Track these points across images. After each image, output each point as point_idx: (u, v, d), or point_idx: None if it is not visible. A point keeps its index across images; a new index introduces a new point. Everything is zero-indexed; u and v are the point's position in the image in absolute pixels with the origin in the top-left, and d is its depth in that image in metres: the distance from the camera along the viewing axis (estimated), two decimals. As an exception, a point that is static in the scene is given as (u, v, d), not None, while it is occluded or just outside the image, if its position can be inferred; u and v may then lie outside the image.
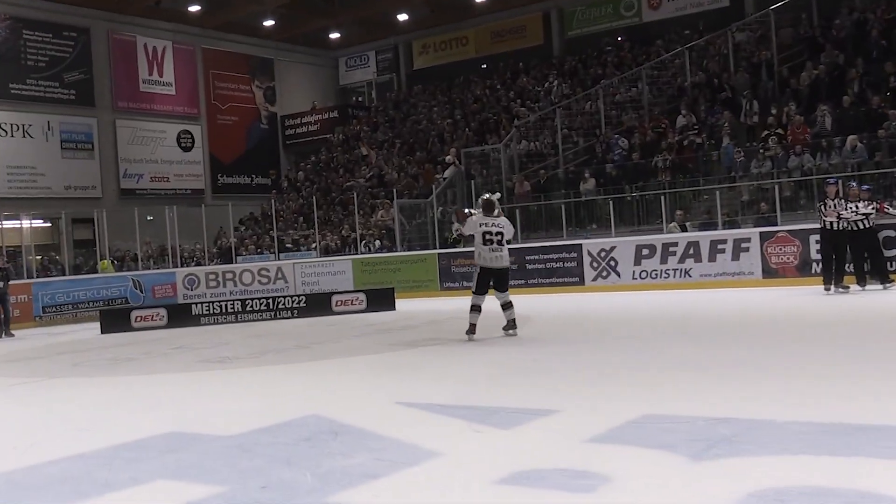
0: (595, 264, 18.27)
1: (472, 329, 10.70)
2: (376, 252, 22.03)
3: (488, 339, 11.33)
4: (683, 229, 18.06)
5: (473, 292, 10.79)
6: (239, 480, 4.88)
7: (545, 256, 19.06)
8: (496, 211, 10.97)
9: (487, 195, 11.20)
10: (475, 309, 10.73)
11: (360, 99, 35.78)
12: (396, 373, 8.85)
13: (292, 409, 6.96)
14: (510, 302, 10.87)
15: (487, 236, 10.70)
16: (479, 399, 6.90)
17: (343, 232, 23.62)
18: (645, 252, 17.74)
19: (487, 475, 4.67)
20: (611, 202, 19.38)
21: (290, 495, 4.56)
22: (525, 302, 16.48)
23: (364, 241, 22.41)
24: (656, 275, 17.58)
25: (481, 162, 23.68)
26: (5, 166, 26.15)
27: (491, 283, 10.78)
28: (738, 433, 5.17)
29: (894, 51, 19.72)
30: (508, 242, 11.00)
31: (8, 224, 22.37)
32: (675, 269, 17.42)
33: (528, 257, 19.17)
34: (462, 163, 23.55)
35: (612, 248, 18.13)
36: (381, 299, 17.15)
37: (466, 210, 11.76)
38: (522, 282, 18.96)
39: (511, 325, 10.79)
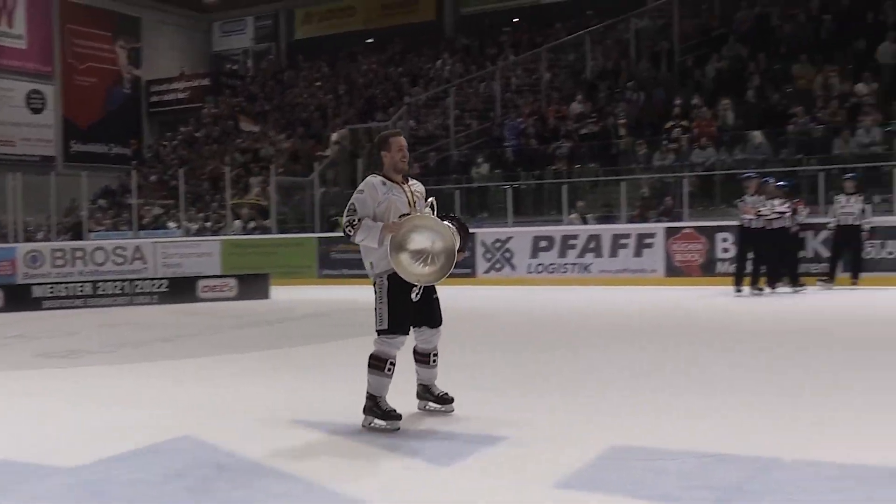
0: (488, 255, 17.10)
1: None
2: (248, 233, 20.25)
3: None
4: (584, 221, 17.10)
5: None
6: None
7: (435, 245, 17.70)
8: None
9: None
10: None
11: (234, 67, 33.57)
12: (287, 377, 7.29)
13: (158, 428, 5.36)
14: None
15: None
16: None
17: (212, 211, 21.71)
18: (542, 244, 16.69)
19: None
20: (507, 189, 18.24)
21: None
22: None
23: (235, 221, 20.58)
24: (554, 269, 16.55)
25: (368, 141, 22.18)
26: None
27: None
28: (745, 478, 3.99)
29: (797, 47, 19.31)
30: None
31: None
32: (573, 264, 16.43)
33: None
34: (347, 141, 22.01)
35: (508, 239, 17.00)
36: (253, 286, 15.63)
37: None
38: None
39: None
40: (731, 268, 14.14)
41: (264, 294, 15.38)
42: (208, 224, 21.36)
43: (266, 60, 32.10)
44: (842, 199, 13.82)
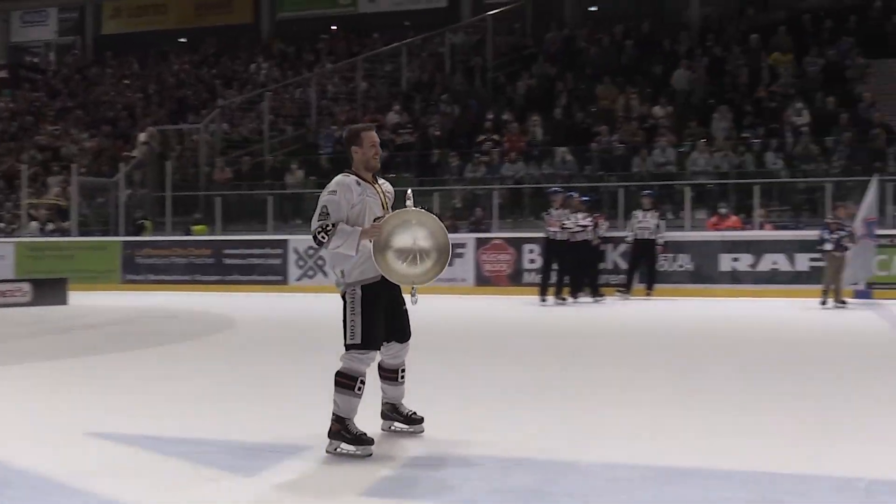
0: (301, 263, 16.96)
1: None
2: (46, 235, 19.16)
3: (195, 343, 9.65)
4: (398, 230, 17.24)
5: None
6: None
7: (246, 251, 17.46)
8: None
9: None
10: None
11: (35, 60, 31.70)
12: (82, 388, 6.92)
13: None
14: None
15: None
16: (206, 429, 5.28)
17: (6, 211, 20.40)
18: (356, 252, 16.66)
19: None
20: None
21: None
22: (224, 301, 14.90)
23: (31, 223, 19.43)
24: (367, 277, 16.57)
25: (178, 142, 21.49)
26: None
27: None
28: (543, 482, 4.15)
29: (601, 70, 20.33)
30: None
31: None
32: (386, 272, 16.51)
33: (226, 251, 17.48)
34: (156, 141, 21.23)
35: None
36: (50, 291, 14.91)
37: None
38: (219, 278, 17.25)
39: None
40: (537, 278, 14.66)
41: (62, 300, 14.72)
42: (1, 225, 20.04)
43: (70, 55, 30.53)
44: (639, 214, 14.67)
